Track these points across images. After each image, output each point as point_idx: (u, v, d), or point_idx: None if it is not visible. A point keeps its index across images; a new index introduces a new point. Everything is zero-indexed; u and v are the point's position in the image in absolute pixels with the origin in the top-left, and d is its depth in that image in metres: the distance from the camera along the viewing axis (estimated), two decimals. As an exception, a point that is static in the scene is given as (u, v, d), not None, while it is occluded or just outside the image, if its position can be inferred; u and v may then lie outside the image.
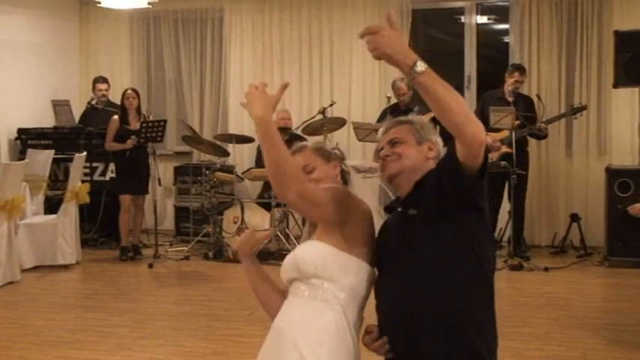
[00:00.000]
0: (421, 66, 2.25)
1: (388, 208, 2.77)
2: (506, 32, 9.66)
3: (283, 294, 2.74)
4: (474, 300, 2.48)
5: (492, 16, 10.05)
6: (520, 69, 8.52)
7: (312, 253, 2.57)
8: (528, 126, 8.11)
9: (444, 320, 2.43)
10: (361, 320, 2.63)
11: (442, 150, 2.69)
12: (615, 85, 8.21)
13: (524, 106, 8.39)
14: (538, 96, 8.67)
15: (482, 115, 8.00)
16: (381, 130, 2.75)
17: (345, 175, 2.82)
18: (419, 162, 2.61)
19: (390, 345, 2.53)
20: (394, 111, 8.54)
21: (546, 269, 7.82)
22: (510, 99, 8.38)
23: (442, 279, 2.45)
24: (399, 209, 2.65)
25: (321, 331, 2.51)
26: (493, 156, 8.11)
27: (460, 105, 2.29)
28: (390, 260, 2.57)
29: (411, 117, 2.82)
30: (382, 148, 2.68)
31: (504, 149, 8.07)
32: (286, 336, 2.54)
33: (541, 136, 8.39)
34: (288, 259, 2.66)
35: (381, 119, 8.69)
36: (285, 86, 2.57)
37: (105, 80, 9.61)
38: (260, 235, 2.85)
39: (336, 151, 2.85)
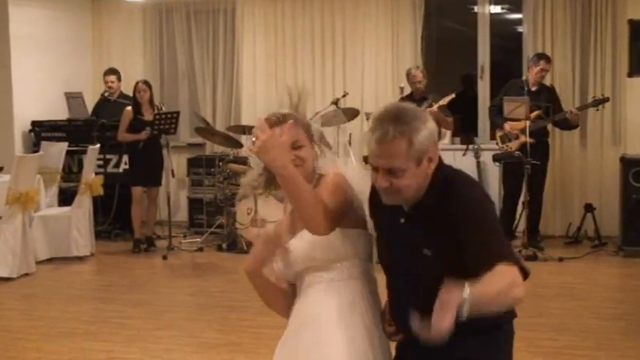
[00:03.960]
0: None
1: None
2: (519, 22, 9.60)
3: (285, 293, 2.81)
4: None
5: (506, 6, 9.98)
6: (546, 57, 8.39)
7: (321, 240, 2.58)
8: (548, 117, 8.06)
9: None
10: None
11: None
12: (630, 75, 8.16)
13: (547, 95, 8.32)
14: (552, 86, 8.63)
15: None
16: (375, 137, 2.42)
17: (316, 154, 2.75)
18: (421, 184, 2.42)
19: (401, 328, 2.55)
20: (410, 101, 8.50)
21: (561, 259, 7.80)
22: (534, 88, 8.32)
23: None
24: (402, 220, 2.49)
25: (350, 306, 2.60)
26: (513, 145, 8.08)
27: None
28: (398, 260, 2.54)
29: (410, 125, 2.44)
30: (377, 168, 2.40)
31: (523, 139, 7.98)
32: (322, 321, 2.60)
33: (568, 126, 8.28)
34: (299, 251, 2.65)
35: None
36: (290, 125, 2.55)
37: (113, 72, 9.57)
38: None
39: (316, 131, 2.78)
